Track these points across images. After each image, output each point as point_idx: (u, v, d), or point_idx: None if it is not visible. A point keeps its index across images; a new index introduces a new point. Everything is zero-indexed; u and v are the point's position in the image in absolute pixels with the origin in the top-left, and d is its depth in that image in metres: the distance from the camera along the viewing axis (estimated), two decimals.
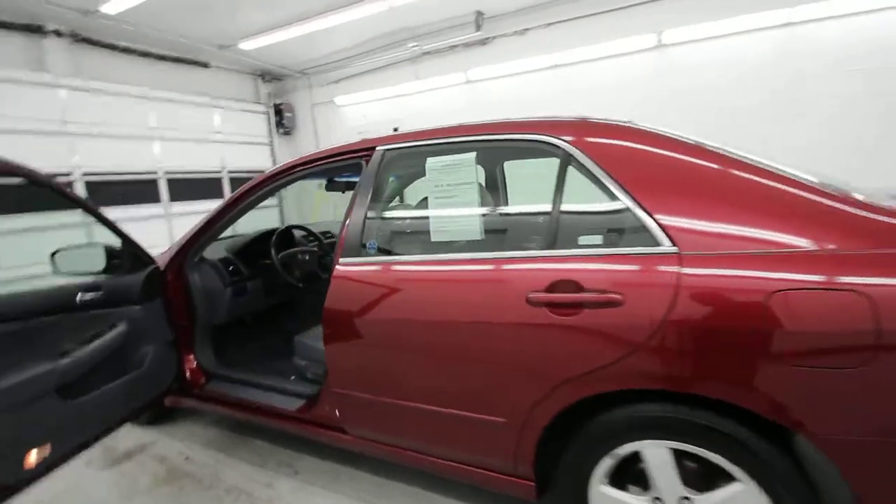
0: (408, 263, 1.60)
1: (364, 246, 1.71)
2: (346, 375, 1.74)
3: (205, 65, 6.22)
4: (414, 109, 6.39)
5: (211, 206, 6.08)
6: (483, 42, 5.88)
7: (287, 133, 7.34)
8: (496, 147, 1.61)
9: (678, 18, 4.85)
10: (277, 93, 7.28)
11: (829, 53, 4.30)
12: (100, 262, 1.93)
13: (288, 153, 7.44)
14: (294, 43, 5.78)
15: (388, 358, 1.61)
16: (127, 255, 2.02)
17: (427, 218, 1.65)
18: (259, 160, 6.95)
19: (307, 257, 2.59)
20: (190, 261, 2.32)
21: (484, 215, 1.57)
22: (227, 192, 6.34)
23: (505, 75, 5.77)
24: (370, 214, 1.74)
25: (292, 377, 2.36)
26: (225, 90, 6.54)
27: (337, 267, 1.71)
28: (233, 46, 5.85)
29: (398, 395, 1.61)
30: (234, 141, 6.53)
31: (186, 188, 5.81)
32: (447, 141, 1.65)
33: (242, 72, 6.84)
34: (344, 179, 3.34)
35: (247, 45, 5.77)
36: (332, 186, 3.36)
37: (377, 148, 1.80)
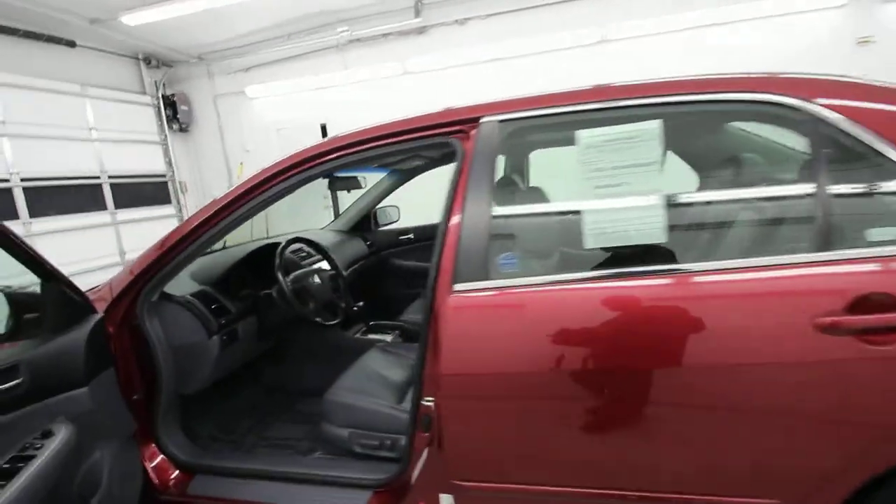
0: (592, 281, 1.09)
1: (492, 263, 1.15)
2: (488, 460, 1.17)
3: (70, 43, 4.85)
4: (342, 104, 5.66)
5: (86, 219, 4.83)
6: (420, 31, 5.41)
7: (184, 130, 6.11)
8: (695, 111, 1.16)
9: (622, 13, 4.86)
10: (168, 81, 6.01)
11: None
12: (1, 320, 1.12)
13: (187, 154, 6.21)
14: (191, 21, 4.73)
15: (579, 427, 1.08)
16: (51, 302, 1.21)
17: (596, 215, 1.14)
18: (150, 162, 5.67)
19: (318, 280, 1.90)
20: (145, 301, 1.51)
21: (689, 207, 1.12)
22: (110, 201, 5.02)
23: (446, 67, 5.35)
24: (497, 214, 1.19)
25: (317, 453, 1.68)
26: (98, 76, 5.18)
27: (452, 297, 1.13)
28: (109, 21, 4.61)
29: (593, 481, 1.09)
30: (114, 139, 5.20)
31: (51, 198, 4.44)
32: (608, 106, 1.17)
33: (121, 54, 5.50)
34: (349, 174, 2.65)
35: (130, 20, 4.58)
36: (336, 184, 2.65)
37: (484, 119, 1.25)
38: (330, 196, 6.32)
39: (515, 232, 1.29)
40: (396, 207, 3.12)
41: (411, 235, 3.01)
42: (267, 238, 2.29)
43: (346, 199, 6.10)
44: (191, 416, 1.77)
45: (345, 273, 2.28)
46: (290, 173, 1.43)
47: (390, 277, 3.00)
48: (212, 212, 1.44)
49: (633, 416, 1.04)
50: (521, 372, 1.07)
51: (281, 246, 1.88)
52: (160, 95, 5.88)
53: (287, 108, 5.93)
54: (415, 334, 2.24)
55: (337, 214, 6.06)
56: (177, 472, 1.56)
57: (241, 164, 6.22)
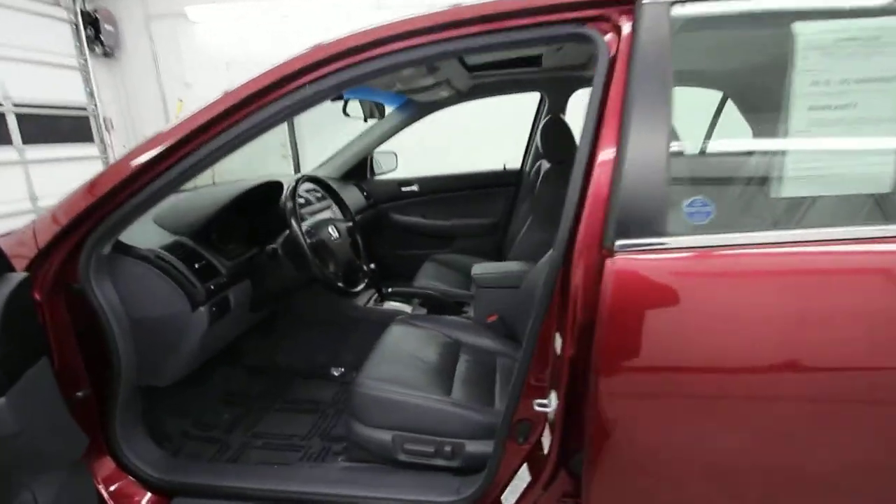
0: (842, 243, 0.74)
1: (675, 212, 0.78)
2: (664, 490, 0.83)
3: None
4: (308, 38, 4.91)
5: None
6: None
7: (109, 55, 5.11)
8: None
9: None
10: None
11: None
12: None
13: (113, 84, 5.24)
14: None
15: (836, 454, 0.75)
16: None
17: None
18: (67, 91, 4.69)
19: (336, 233, 1.43)
20: (92, 255, 1.00)
21: None
22: (16, 135, 4.09)
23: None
24: (676, 150, 0.80)
25: (340, 459, 1.29)
26: None
27: (617, 258, 0.75)
28: None
29: None
30: (19, 58, 4.20)
31: None
32: None
33: None
34: (368, 99, 2.11)
35: None
36: (352, 108, 2.09)
37: (647, 2, 0.83)
38: (288, 142, 5.65)
39: (705, 170, 0.92)
40: (394, 154, 2.64)
41: (415, 187, 2.55)
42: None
43: (308, 146, 5.52)
44: (155, 411, 1.29)
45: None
46: (322, 70, 0.95)
47: (393, 235, 2.56)
48: (187, 132, 0.94)
49: None
50: (737, 368, 0.72)
51: (290, 186, 1.37)
52: (78, 10, 4.82)
53: (239, 39, 5.09)
54: (440, 304, 1.85)
55: (297, 166, 5.44)
56: (148, 495, 1.10)
57: (181, 101, 5.34)
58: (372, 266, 1.71)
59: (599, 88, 0.84)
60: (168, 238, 1.24)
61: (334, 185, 1.65)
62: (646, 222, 0.76)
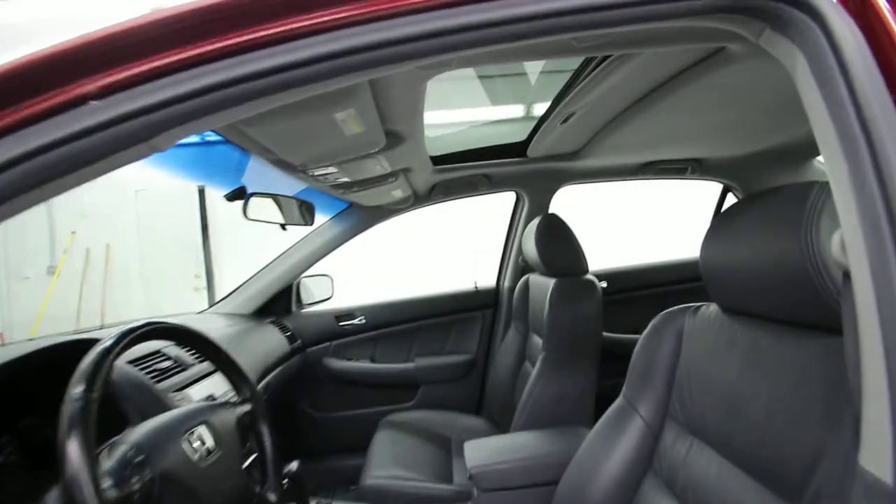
0: None
1: None
2: None
3: None
4: None
5: None
6: None
7: None
8: None
9: None
10: None
11: None
12: None
13: None
14: None
15: None
16: None
17: None
18: None
19: (212, 445, 0.70)
20: None
21: None
22: None
23: None
24: None
25: None
26: None
27: None
28: None
29: None
30: None
31: None
32: None
33: None
34: (291, 197, 1.43)
35: None
36: (257, 208, 1.40)
37: None
38: (204, 266, 4.77)
39: None
40: (329, 277, 2.00)
41: (360, 319, 1.88)
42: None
43: (228, 273, 4.74)
44: None
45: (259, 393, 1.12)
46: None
47: (329, 391, 1.82)
48: None
49: None
50: None
51: (106, 343, 0.63)
52: None
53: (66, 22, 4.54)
54: None
55: (212, 299, 4.58)
56: None
57: None
58: (291, 470, 0.96)
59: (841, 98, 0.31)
60: None
61: (217, 339, 0.92)
62: None
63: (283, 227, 1.36)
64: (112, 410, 0.81)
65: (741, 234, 0.64)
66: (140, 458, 0.57)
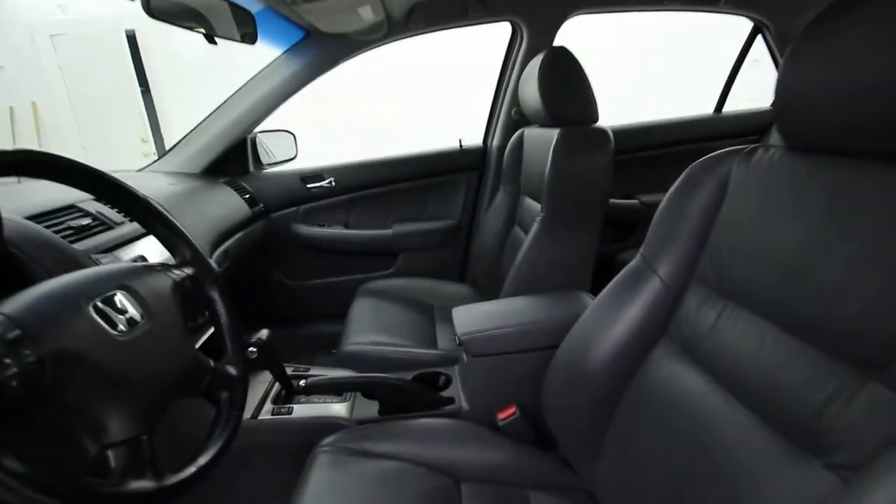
0: None
1: None
2: None
3: None
4: None
5: None
6: None
7: None
8: None
9: None
10: None
11: None
12: None
13: None
14: None
15: None
16: None
17: None
18: None
19: (140, 313, 0.53)
20: None
21: None
22: None
23: None
24: None
25: None
26: None
27: None
28: None
29: None
30: None
31: None
32: None
33: None
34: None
35: None
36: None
37: None
38: (148, 123, 4.16)
39: None
40: (291, 134, 1.73)
41: (329, 181, 1.66)
42: None
43: (177, 129, 4.27)
44: None
45: (215, 266, 0.94)
46: None
47: (299, 259, 1.67)
48: None
49: None
50: None
51: None
52: None
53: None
54: (399, 391, 1.01)
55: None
56: None
57: None
58: (262, 335, 0.84)
59: None
60: None
61: (160, 195, 0.70)
62: None
63: (209, 39, 1.04)
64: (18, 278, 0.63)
65: (849, 42, 0.45)
66: (14, 333, 0.40)
